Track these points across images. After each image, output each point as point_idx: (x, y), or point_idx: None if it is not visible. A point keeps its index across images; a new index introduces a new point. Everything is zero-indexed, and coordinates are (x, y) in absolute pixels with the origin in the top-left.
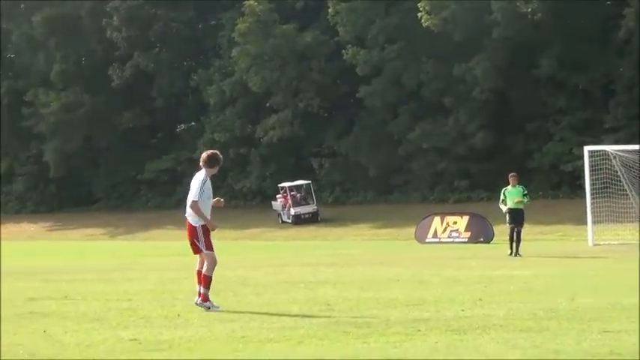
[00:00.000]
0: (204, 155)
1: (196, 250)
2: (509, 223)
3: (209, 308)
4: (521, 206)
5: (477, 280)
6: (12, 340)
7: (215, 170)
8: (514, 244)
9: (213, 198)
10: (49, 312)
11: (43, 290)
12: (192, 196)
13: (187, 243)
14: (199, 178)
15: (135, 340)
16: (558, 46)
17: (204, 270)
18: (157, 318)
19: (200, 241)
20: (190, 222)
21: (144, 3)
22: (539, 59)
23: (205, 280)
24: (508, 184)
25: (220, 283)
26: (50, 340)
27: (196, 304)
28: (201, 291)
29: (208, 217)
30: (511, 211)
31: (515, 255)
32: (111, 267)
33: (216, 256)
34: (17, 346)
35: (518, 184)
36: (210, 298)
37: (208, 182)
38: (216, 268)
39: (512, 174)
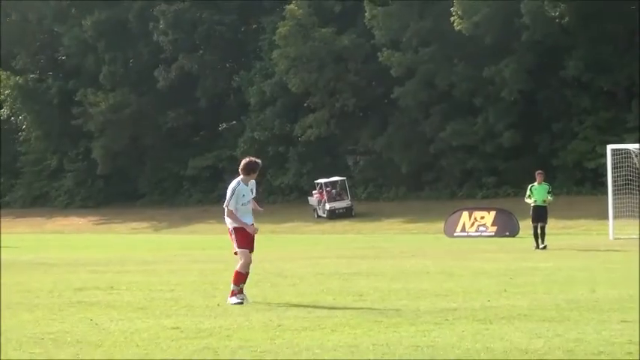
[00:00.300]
0: (241, 162)
1: (235, 249)
2: (533, 221)
3: (236, 303)
4: (545, 204)
5: (502, 272)
6: (60, 328)
7: (251, 177)
8: (539, 240)
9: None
10: (96, 301)
11: (90, 281)
12: (225, 203)
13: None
14: (231, 186)
15: (177, 328)
16: (584, 49)
17: (236, 266)
18: (198, 307)
19: (233, 241)
20: (226, 224)
21: (189, 7)
22: (566, 61)
23: (235, 276)
24: (534, 180)
25: (258, 275)
26: (96, 327)
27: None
28: (231, 287)
29: (245, 220)
30: (535, 207)
31: (542, 248)
32: (154, 259)
33: (250, 254)
34: (65, 333)
35: (544, 181)
36: (245, 291)
37: (242, 188)
38: (251, 266)
39: (538, 171)
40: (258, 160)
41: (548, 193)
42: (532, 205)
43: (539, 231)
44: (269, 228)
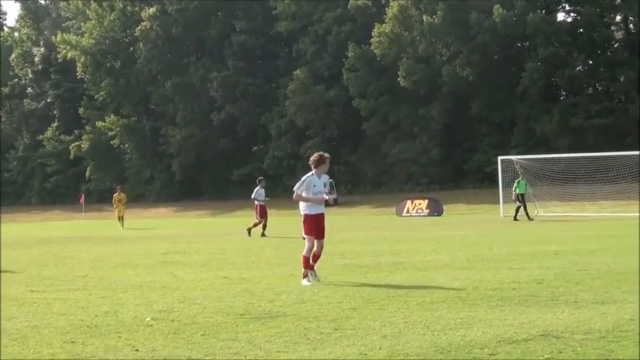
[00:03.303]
0: (311, 157)
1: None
2: (520, 202)
3: (306, 285)
4: (524, 191)
5: (433, 238)
6: (152, 279)
7: (322, 169)
8: (527, 214)
9: (329, 192)
10: (175, 261)
11: (171, 248)
12: (294, 187)
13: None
14: (304, 176)
15: (226, 277)
16: (483, 96)
17: (302, 251)
18: (240, 264)
19: (302, 227)
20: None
21: (232, 73)
22: (471, 104)
23: (302, 260)
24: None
25: (278, 242)
26: (175, 278)
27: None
28: (302, 270)
29: (315, 209)
30: (519, 195)
31: (514, 220)
32: (213, 234)
33: (319, 240)
34: (155, 282)
35: (523, 179)
36: (316, 270)
37: (312, 179)
38: (323, 250)
39: (521, 171)
40: (325, 154)
41: (526, 184)
42: (518, 193)
43: (520, 209)
44: (285, 213)
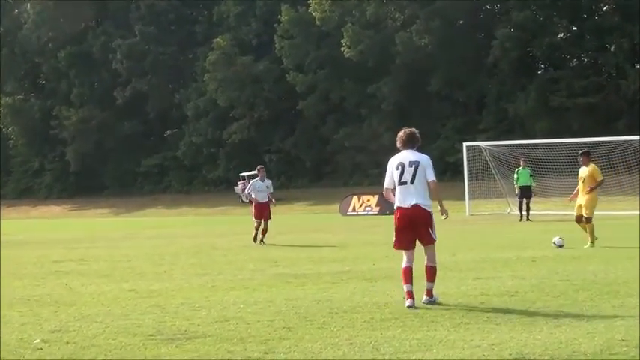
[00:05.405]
0: (401, 134)
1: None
2: (519, 197)
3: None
4: (528, 184)
5: (384, 242)
6: (42, 291)
7: (407, 147)
8: (524, 213)
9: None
10: (70, 270)
11: (65, 255)
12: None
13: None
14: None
15: (133, 290)
16: (443, 70)
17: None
18: (149, 274)
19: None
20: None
21: (139, 41)
22: (430, 79)
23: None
24: None
25: (196, 247)
26: (70, 290)
27: (424, 302)
28: (427, 286)
29: (403, 201)
30: (520, 187)
31: (526, 220)
32: (116, 237)
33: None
34: (46, 296)
35: (527, 166)
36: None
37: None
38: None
39: (522, 158)
40: (412, 130)
41: (531, 176)
42: (518, 185)
43: (523, 206)
44: (204, 211)
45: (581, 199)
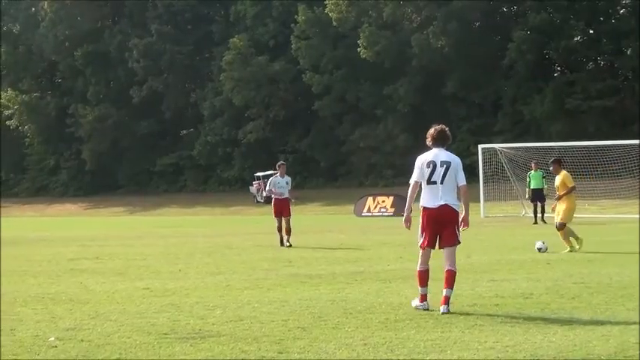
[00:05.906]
0: (431, 131)
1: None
2: (532, 200)
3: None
4: (541, 186)
5: (399, 244)
6: (57, 289)
7: (438, 144)
8: (538, 215)
9: None
10: (84, 268)
11: (80, 253)
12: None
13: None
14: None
15: (147, 288)
16: (459, 71)
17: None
18: (164, 272)
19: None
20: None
21: (156, 40)
22: (446, 81)
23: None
24: None
25: (211, 246)
26: (85, 289)
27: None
28: (446, 293)
29: (429, 202)
30: (534, 190)
31: (542, 221)
32: (131, 236)
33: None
34: (61, 293)
35: (540, 169)
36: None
37: (425, 159)
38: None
39: (534, 161)
40: (442, 127)
41: (543, 177)
42: (531, 188)
43: (538, 209)
44: (219, 211)
45: (559, 206)
